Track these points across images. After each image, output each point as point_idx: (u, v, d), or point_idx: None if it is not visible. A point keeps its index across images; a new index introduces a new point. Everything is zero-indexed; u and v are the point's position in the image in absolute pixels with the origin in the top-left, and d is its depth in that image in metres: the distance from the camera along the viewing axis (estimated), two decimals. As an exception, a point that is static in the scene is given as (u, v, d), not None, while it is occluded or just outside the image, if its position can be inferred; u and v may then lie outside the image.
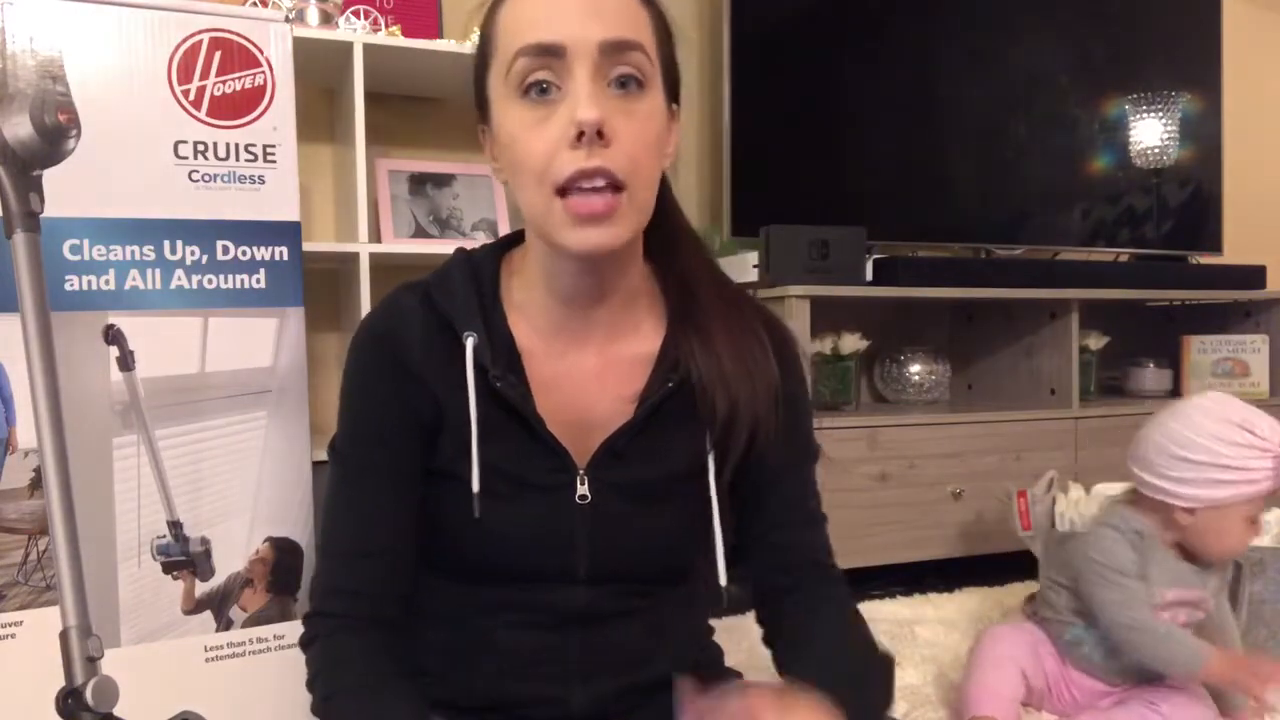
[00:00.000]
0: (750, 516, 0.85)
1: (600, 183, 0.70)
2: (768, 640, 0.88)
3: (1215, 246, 2.89)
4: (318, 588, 0.81)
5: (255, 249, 1.26)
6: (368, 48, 1.79)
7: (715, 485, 0.82)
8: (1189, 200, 2.87)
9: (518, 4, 0.73)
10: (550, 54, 0.70)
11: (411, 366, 0.79)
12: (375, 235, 1.95)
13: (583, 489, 0.79)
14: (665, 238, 0.85)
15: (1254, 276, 2.63)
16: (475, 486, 0.77)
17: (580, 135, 0.69)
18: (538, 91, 0.71)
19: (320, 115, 2.07)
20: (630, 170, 0.71)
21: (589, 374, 0.82)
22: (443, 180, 2.06)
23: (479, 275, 0.82)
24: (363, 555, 0.79)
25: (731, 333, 0.82)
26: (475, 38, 0.79)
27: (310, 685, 0.77)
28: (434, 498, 0.80)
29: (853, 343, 2.27)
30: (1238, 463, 1.21)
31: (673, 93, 0.79)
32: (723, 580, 0.82)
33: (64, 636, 1.16)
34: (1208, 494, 1.22)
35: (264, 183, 1.26)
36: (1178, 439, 1.25)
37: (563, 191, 0.70)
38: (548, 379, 0.81)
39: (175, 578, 1.22)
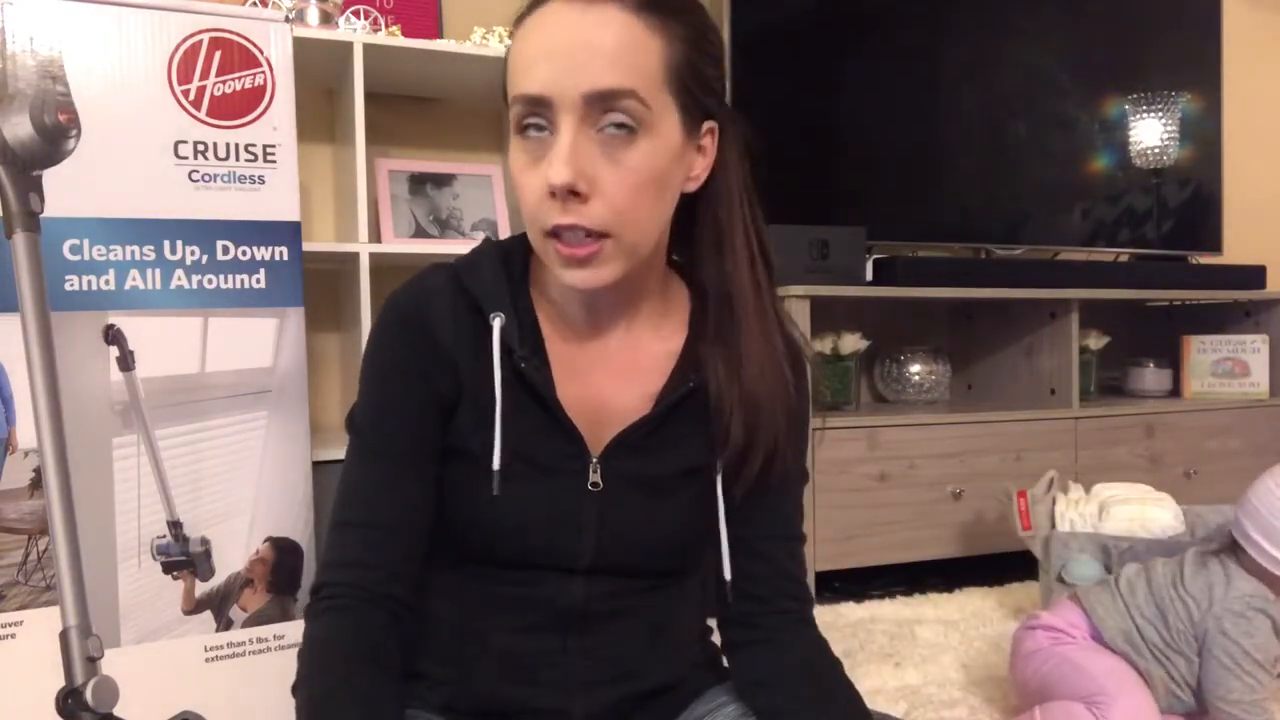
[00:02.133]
0: (739, 524, 0.86)
1: (580, 234, 0.72)
2: (726, 647, 0.88)
3: (1215, 246, 2.89)
4: (325, 558, 0.81)
5: (255, 249, 1.26)
6: (368, 48, 1.79)
7: (722, 496, 0.83)
8: (1189, 200, 2.87)
9: (522, 40, 0.74)
10: (538, 104, 0.72)
11: (436, 341, 0.80)
12: (375, 235, 1.94)
13: (595, 476, 0.80)
14: (709, 248, 0.84)
15: (1254, 276, 2.63)
16: (496, 464, 0.78)
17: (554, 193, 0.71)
18: (534, 130, 0.73)
19: (320, 115, 2.07)
20: (613, 220, 0.72)
21: (610, 368, 0.83)
22: (443, 180, 2.06)
23: (509, 261, 0.83)
24: (375, 527, 0.79)
25: (760, 357, 0.81)
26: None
27: (298, 659, 0.77)
28: (445, 477, 0.81)
29: (853, 343, 2.27)
30: None
31: (701, 115, 0.78)
32: (727, 574, 0.83)
33: (64, 636, 1.16)
34: None
35: (264, 183, 1.26)
36: None
37: (551, 234, 0.73)
38: (569, 368, 0.82)
39: (175, 578, 1.22)
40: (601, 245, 0.72)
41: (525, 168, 0.74)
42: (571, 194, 0.70)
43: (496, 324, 0.79)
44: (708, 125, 0.79)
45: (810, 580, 1.99)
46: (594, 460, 0.80)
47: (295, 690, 0.76)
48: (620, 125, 0.71)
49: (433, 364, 0.80)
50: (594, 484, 0.80)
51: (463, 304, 0.80)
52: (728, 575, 0.83)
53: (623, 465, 0.81)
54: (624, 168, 0.72)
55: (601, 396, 0.82)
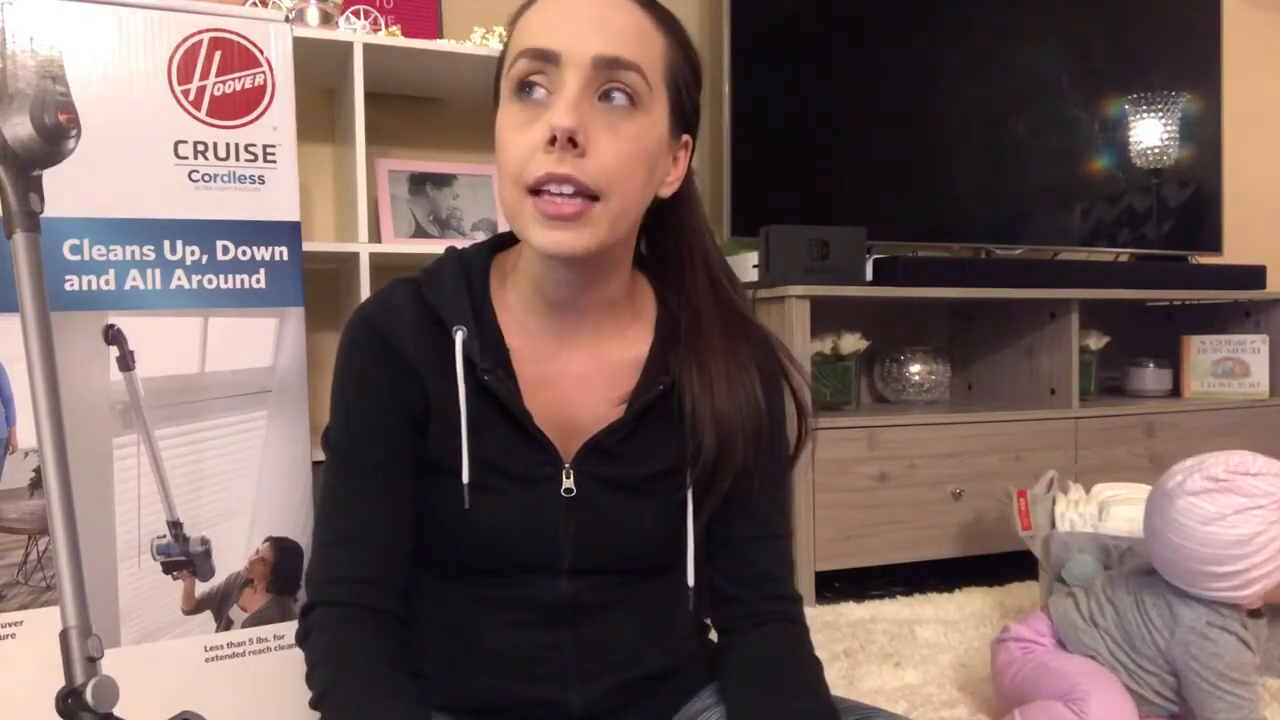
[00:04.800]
0: (718, 526, 0.86)
1: (569, 189, 0.71)
2: (715, 649, 0.89)
3: (1215, 246, 2.89)
4: (315, 578, 0.81)
5: (255, 249, 1.26)
6: (368, 48, 1.79)
7: (692, 506, 0.83)
8: (1189, 200, 2.87)
9: (532, 12, 0.76)
10: (546, 59, 0.72)
11: (403, 357, 0.80)
12: (375, 235, 1.95)
13: (568, 483, 0.80)
14: (675, 266, 0.85)
15: (1254, 276, 2.63)
16: (465, 478, 0.78)
17: (554, 140, 0.70)
18: (529, 92, 0.73)
19: (320, 115, 2.07)
20: (605, 182, 0.72)
21: (576, 377, 0.83)
22: (443, 180, 2.06)
23: (470, 273, 0.83)
24: (362, 544, 0.80)
25: (726, 375, 0.82)
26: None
27: (308, 680, 0.77)
28: (422, 490, 0.81)
29: (853, 343, 2.27)
30: (1271, 531, 1.19)
31: (684, 124, 0.80)
32: (690, 581, 0.84)
33: (64, 636, 1.16)
34: (1272, 578, 1.20)
35: (264, 183, 1.26)
36: (1210, 559, 1.21)
37: (534, 192, 0.72)
38: (535, 379, 0.82)
39: (175, 578, 1.22)
40: (590, 207, 0.72)
41: (517, 127, 0.73)
42: (570, 144, 0.70)
43: (459, 338, 0.79)
44: (685, 138, 0.82)
45: (810, 580, 2.01)
46: (566, 466, 0.81)
47: (318, 705, 0.75)
48: (614, 93, 0.72)
49: (400, 380, 0.80)
50: (567, 490, 0.80)
51: (425, 319, 0.81)
52: (690, 582, 0.84)
53: (596, 470, 0.81)
54: (621, 136, 0.73)
55: (570, 408, 0.82)
